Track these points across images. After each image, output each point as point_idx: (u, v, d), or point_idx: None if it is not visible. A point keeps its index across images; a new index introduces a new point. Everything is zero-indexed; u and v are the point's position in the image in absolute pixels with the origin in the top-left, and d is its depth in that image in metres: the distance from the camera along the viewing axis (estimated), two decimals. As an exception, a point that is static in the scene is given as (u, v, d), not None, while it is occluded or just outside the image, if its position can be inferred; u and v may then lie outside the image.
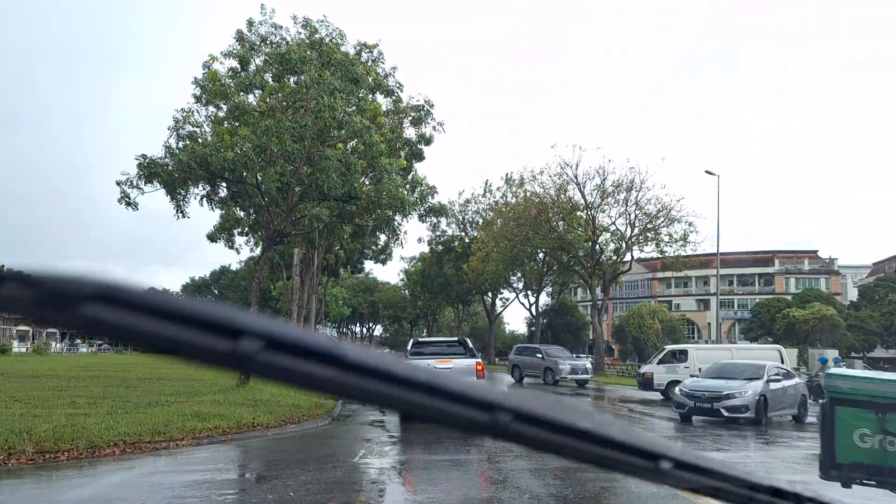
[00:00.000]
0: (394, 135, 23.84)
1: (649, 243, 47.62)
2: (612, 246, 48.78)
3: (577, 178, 46.44)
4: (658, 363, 25.49)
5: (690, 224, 45.96)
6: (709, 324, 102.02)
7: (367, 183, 19.83)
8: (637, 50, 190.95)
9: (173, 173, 18.42)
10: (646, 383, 25.60)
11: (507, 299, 76.89)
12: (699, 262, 78.86)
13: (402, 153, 24.77)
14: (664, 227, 46.53)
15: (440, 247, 72.95)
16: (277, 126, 18.18)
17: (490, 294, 72.74)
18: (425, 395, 0.66)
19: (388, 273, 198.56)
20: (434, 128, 21.60)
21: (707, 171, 34.73)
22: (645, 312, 67.24)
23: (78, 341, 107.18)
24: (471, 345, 17.12)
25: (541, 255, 55.98)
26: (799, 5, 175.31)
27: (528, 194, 48.06)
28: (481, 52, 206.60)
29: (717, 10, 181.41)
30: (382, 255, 66.38)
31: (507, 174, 62.87)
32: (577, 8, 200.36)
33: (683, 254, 47.58)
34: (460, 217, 69.33)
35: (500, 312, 75.42)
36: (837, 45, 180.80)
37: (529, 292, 66.05)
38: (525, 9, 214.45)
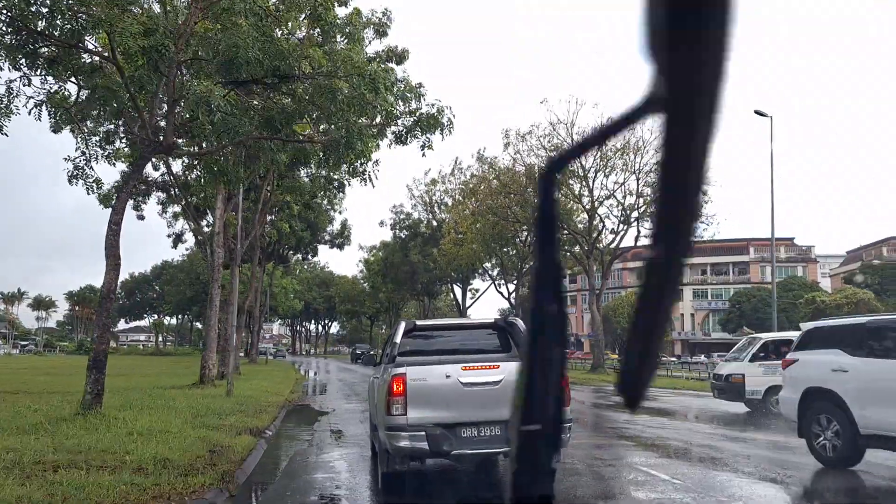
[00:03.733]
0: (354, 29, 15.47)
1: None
2: (609, 225, 40.96)
3: (572, 139, 38.63)
4: (750, 360, 17.00)
5: (704, 193, 38.47)
6: (681, 315, 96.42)
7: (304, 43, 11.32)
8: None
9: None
10: (730, 390, 17.14)
11: (478, 290, 69.36)
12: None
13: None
14: (674, 197, 39.01)
15: (405, 231, 64.92)
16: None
17: (461, 284, 64.99)
18: None
19: (346, 265, 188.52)
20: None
21: (757, 112, 27.11)
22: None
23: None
24: (524, 329, 7.93)
25: (524, 234, 48.21)
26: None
27: (515, 156, 39.98)
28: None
29: None
30: (339, 239, 58.06)
31: (479, 150, 55.17)
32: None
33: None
34: (427, 199, 61.62)
35: (472, 304, 67.50)
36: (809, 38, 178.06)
37: (505, 280, 58.27)
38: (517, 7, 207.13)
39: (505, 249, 51.72)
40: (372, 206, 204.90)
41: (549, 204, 0.78)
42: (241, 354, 61.75)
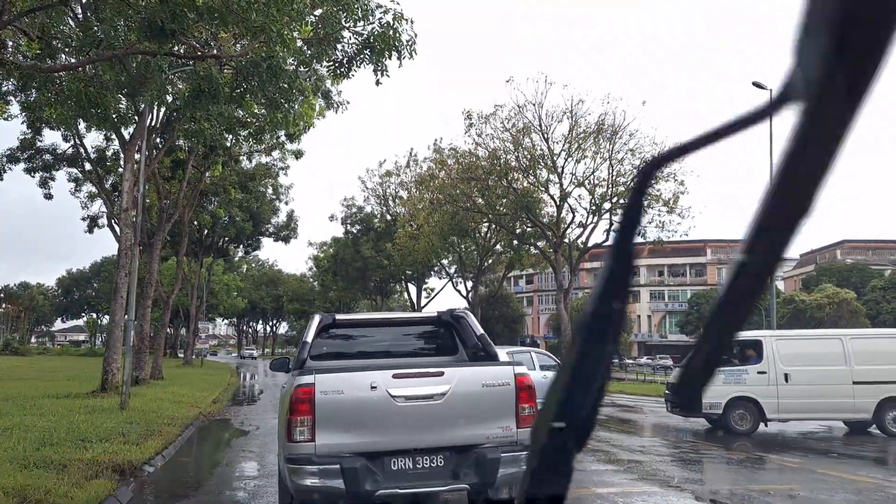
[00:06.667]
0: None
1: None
2: (578, 218, 37.91)
3: (541, 122, 35.46)
4: None
5: (682, 183, 35.93)
6: (638, 316, 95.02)
7: None
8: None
9: None
10: (685, 402, 13.77)
11: (433, 290, 65.96)
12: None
13: None
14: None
15: (357, 226, 61.19)
16: None
17: (415, 282, 61.55)
18: None
19: (296, 263, 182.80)
20: None
21: (755, 84, 24.28)
22: (600, 301, 57.38)
23: None
24: (477, 328, 6.74)
25: (486, 226, 44.94)
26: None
27: (478, 140, 36.51)
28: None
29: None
30: (285, 231, 53.76)
31: (435, 140, 51.79)
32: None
33: (668, 226, 37.70)
34: (381, 191, 58.05)
35: (427, 303, 64.05)
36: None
37: (463, 278, 55.04)
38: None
39: (462, 246, 48.58)
40: (322, 200, 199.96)
41: (640, 199, 0.73)
42: (180, 355, 57.36)
